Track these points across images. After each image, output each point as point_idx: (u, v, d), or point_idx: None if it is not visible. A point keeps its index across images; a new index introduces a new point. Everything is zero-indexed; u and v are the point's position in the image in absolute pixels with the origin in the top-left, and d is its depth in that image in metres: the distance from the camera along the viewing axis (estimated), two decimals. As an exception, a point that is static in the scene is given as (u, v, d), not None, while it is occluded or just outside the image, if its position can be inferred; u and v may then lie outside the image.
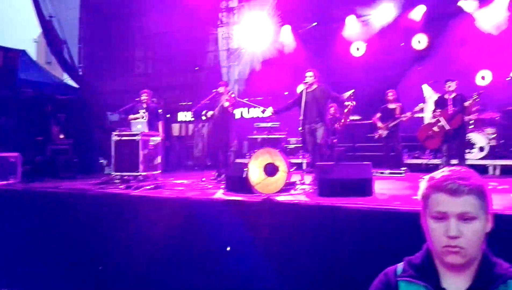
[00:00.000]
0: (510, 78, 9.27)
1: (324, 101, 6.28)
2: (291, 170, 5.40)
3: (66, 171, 8.28)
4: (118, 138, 7.12)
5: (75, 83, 13.45)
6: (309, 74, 6.26)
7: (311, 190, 5.40)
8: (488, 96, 8.31)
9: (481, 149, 7.97)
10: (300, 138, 6.58)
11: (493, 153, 8.14)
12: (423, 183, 1.33)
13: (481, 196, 1.23)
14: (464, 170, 1.28)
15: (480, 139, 8.04)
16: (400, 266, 1.41)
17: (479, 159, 7.98)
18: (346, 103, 6.16)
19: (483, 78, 9.73)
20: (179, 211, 4.90)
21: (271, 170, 5.08)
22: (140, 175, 6.89)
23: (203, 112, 7.14)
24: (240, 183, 5.14)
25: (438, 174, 1.29)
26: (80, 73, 14.42)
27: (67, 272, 5.39)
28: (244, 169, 5.05)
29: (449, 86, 6.16)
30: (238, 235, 4.42)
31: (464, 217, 1.21)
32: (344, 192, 4.68)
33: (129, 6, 14.47)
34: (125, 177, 6.88)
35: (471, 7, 9.82)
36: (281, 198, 4.70)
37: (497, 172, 7.81)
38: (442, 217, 1.24)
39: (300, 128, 6.10)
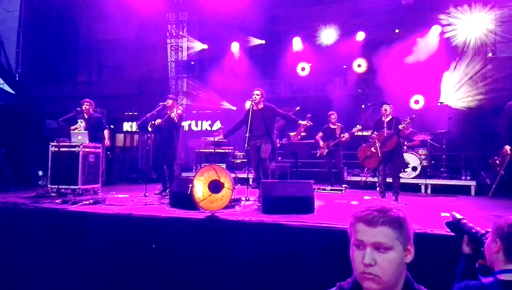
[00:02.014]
0: (440, 103, 10.09)
1: (272, 119, 6.43)
2: (236, 186, 5.44)
3: (-2, 182, 7.77)
4: (56, 148, 6.80)
5: (11, 89, 12.65)
6: (256, 92, 6.37)
7: (255, 207, 5.48)
8: (420, 120, 8.95)
9: (414, 168, 8.54)
10: (246, 154, 6.65)
11: (425, 173, 8.75)
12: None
13: (398, 228, 1.30)
14: (385, 203, 1.35)
15: (413, 159, 8.61)
16: None
17: (412, 178, 8.54)
18: (303, 122, 6.33)
19: (416, 102, 10.52)
20: (119, 228, 4.75)
21: (216, 186, 5.08)
22: (79, 188, 6.61)
23: (150, 123, 6.99)
24: (184, 199, 5.09)
25: (362, 205, 1.37)
26: (17, 78, 13.60)
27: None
28: (189, 185, 5.02)
29: (385, 110, 6.52)
30: (181, 253, 4.37)
31: (378, 247, 1.29)
32: (287, 209, 4.82)
33: (75, 11, 13.95)
34: (62, 191, 6.57)
35: (406, 36, 10.63)
36: (226, 215, 4.71)
37: (429, 191, 8.38)
38: (360, 245, 1.32)
39: (246, 146, 6.15)
